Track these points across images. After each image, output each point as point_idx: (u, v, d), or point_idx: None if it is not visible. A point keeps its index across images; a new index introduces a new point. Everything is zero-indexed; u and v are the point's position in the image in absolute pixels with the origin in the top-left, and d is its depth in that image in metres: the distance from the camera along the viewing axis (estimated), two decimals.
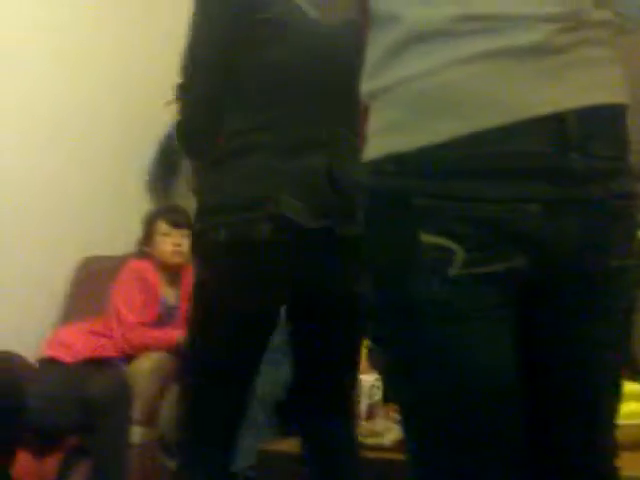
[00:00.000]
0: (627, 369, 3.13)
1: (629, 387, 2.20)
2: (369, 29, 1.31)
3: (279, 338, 2.92)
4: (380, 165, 1.27)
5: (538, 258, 1.25)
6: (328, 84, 2.04)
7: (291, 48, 2.03)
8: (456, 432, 1.24)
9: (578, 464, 1.33)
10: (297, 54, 2.03)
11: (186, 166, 3.93)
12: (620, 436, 2.08)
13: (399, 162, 1.24)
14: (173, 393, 3.06)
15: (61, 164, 3.72)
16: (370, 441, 2.11)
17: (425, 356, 1.26)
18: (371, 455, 2.08)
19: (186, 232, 3.36)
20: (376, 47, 1.29)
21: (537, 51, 1.21)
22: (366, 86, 1.31)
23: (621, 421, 2.09)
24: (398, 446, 2.08)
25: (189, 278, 3.32)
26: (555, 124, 1.21)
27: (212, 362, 2.05)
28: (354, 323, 1.99)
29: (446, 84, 1.22)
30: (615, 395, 1.37)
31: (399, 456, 2.04)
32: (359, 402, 2.36)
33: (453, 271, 1.24)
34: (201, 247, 2.06)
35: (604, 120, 1.27)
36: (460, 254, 1.23)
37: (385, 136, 1.28)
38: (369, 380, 2.36)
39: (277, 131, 2.00)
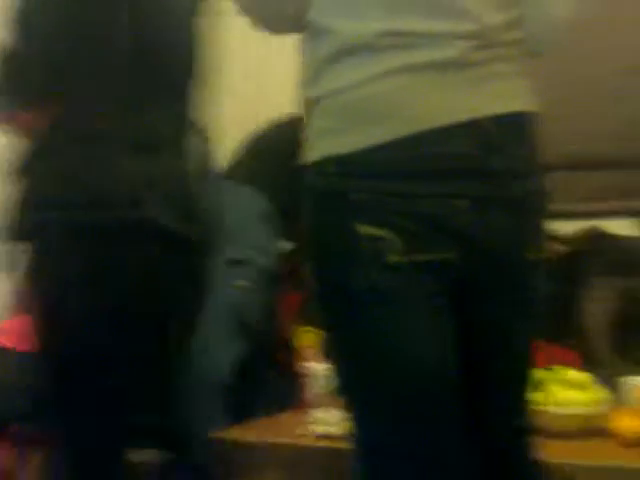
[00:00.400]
0: (582, 358, 3.20)
1: (572, 376, 2.25)
2: (305, 39, 1.44)
3: (229, 318, 2.92)
4: (321, 166, 1.40)
5: (468, 251, 1.39)
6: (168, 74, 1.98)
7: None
8: (400, 412, 1.37)
9: (499, 422, 1.55)
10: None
11: None
12: (563, 424, 2.15)
13: (338, 163, 1.37)
14: None
15: None
16: (320, 429, 2.12)
17: (367, 340, 1.38)
18: (320, 444, 2.10)
19: None
20: (311, 57, 1.42)
21: (454, 65, 1.37)
22: (303, 94, 1.45)
23: (564, 409, 2.16)
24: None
25: None
26: (475, 129, 1.37)
27: None
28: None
29: (372, 95, 1.36)
30: (527, 369, 1.59)
31: (348, 445, 2.07)
32: (310, 390, 2.37)
33: (392, 259, 1.35)
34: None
35: (517, 125, 1.44)
36: (398, 243, 1.35)
37: (323, 140, 1.41)
38: (321, 369, 2.37)
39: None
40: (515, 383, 1.57)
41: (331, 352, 1.49)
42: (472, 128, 1.37)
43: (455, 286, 1.42)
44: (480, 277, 1.44)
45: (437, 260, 1.37)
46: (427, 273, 1.38)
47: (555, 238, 3.57)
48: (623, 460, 1.92)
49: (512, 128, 1.42)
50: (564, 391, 2.19)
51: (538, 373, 2.30)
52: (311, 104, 1.44)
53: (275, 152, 2.98)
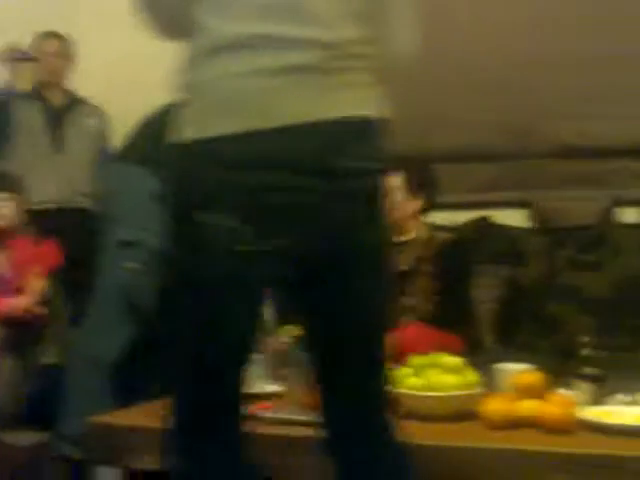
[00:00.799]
0: (467, 344, 3.26)
1: (448, 360, 2.31)
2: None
3: (119, 299, 2.90)
4: (183, 151, 1.52)
5: (312, 241, 1.52)
6: None
7: None
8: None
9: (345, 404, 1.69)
10: None
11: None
12: (437, 407, 2.20)
13: (197, 148, 1.50)
14: (5, 365, 3.01)
15: None
16: None
17: (195, 316, 1.54)
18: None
19: (7, 196, 3.29)
20: (189, 49, 1.54)
21: (312, 70, 1.51)
22: (178, 80, 1.56)
23: (438, 393, 2.21)
24: None
25: (21, 247, 3.27)
26: (321, 130, 1.50)
27: None
28: None
29: (234, 90, 1.47)
30: (374, 350, 1.70)
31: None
32: None
33: (240, 247, 1.46)
34: None
35: (360, 129, 1.57)
36: (247, 232, 1.46)
37: (188, 126, 1.52)
38: None
39: None
40: (362, 365, 1.68)
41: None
42: (318, 128, 1.50)
43: (301, 273, 1.55)
44: (325, 265, 1.57)
45: (280, 247, 1.49)
46: (272, 261, 1.50)
47: (442, 228, 3.64)
48: (489, 442, 1.99)
49: (355, 131, 1.55)
50: (438, 376, 2.25)
51: (415, 359, 2.37)
52: (182, 92, 1.55)
53: (165, 135, 2.96)
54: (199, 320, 1.54)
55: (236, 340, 1.57)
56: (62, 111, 4.00)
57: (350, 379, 1.68)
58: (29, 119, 4.04)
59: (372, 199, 1.61)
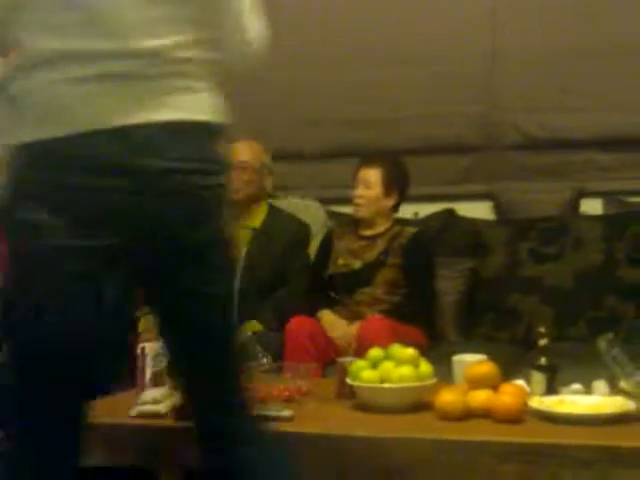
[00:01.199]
0: (429, 336, 3.26)
1: (403, 352, 2.31)
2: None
3: None
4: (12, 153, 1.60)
5: (131, 238, 1.58)
6: None
7: None
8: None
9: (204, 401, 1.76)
10: None
11: None
12: (394, 399, 2.20)
13: (21, 152, 1.59)
14: None
15: None
16: (148, 408, 2.12)
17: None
18: (147, 422, 2.10)
19: None
20: (12, 63, 1.65)
21: (122, 78, 1.59)
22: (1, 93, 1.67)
23: (394, 385, 2.21)
24: (175, 413, 2.11)
25: None
26: (125, 134, 1.57)
27: None
28: None
29: (50, 98, 1.58)
30: (223, 345, 1.74)
31: (172, 423, 2.08)
32: (144, 369, 2.36)
33: (57, 241, 1.55)
34: None
35: (177, 131, 1.62)
36: (61, 230, 1.55)
37: (12, 131, 1.62)
38: (154, 348, 2.37)
39: None
40: (211, 361, 1.73)
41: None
42: (126, 132, 1.58)
43: (128, 268, 1.62)
44: (149, 261, 1.64)
45: (101, 246, 1.58)
46: (90, 257, 1.58)
47: (408, 221, 3.65)
48: (441, 433, 1.99)
49: (171, 134, 1.62)
50: (393, 368, 2.25)
51: (372, 352, 2.36)
52: (8, 101, 1.65)
53: None
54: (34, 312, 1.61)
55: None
56: None
57: (199, 379, 1.75)
58: None
59: (200, 197, 1.66)
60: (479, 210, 3.93)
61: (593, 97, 3.83)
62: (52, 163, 1.58)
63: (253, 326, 3.32)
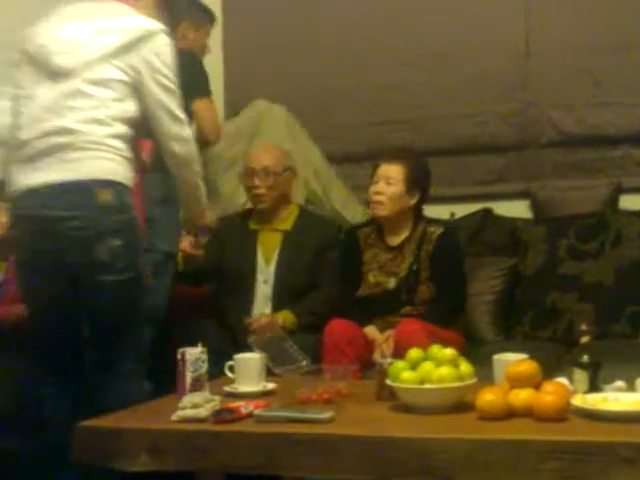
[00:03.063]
0: (467, 336, 3.24)
1: (443, 352, 2.30)
2: None
3: None
4: None
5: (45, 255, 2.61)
6: None
7: None
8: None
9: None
10: None
11: None
12: (435, 400, 2.19)
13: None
14: None
15: None
16: (188, 413, 2.13)
17: None
18: (188, 427, 2.11)
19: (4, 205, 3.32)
20: None
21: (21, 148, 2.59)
22: None
23: (435, 385, 2.20)
24: (213, 416, 2.12)
25: None
26: (37, 192, 2.56)
27: None
28: None
29: None
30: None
31: (213, 427, 2.09)
32: (184, 375, 2.37)
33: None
34: None
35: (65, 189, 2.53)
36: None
37: None
38: (194, 352, 2.38)
39: None
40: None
41: None
42: (38, 191, 2.56)
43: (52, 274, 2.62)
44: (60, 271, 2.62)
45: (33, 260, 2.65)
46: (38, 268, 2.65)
47: (443, 221, 3.62)
48: (482, 433, 1.97)
49: (62, 190, 2.54)
50: (432, 368, 2.24)
51: (411, 353, 2.35)
52: None
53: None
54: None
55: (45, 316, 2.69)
56: None
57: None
58: None
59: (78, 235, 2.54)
60: (516, 209, 3.91)
61: (628, 92, 3.80)
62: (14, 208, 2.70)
63: (285, 315, 3.34)
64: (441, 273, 3.23)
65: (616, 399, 2.09)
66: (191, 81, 3.48)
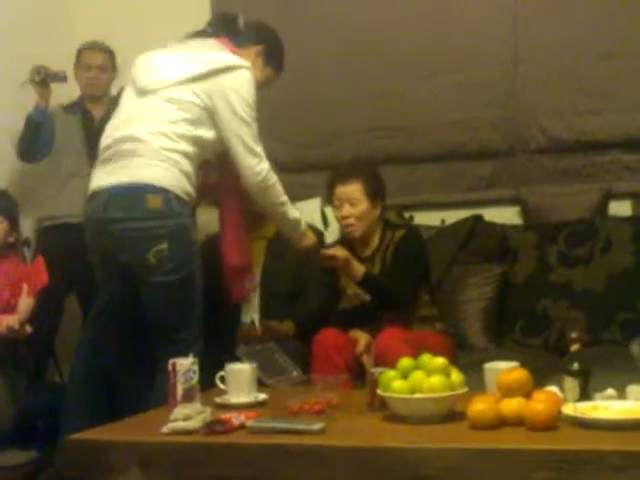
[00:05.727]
0: (458, 344, 3.24)
1: (434, 361, 2.30)
2: None
3: None
4: None
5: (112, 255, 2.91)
6: None
7: None
8: None
9: None
10: None
11: None
12: (425, 409, 2.19)
13: None
14: None
15: None
16: (179, 425, 2.13)
17: None
18: (179, 439, 2.11)
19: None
20: None
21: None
22: None
23: (426, 394, 2.20)
24: (204, 428, 2.11)
25: (7, 267, 3.29)
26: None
27: None
28: None
29: None
30: None
31: (204, 439, 2.08)
32: (175, 386, 2.36)
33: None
34: None
35: (119, 193, 2.81)
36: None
37: None
38: (185, 363, 2.37)
39: None
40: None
41: None
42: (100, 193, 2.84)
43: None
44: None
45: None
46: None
47: (433, 227, 3.63)
48: (473, 442, 1.98)
49: (121, 195, 2.80)
50: (423, 378, 2.24)
51: (402, 362, 2.35)
52: None
53: None
54: None
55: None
56: (103, 123, 3.82)
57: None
58: (69, 133, 3.96)
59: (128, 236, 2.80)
60: (506, 215, 3.91)
61: (616, 98, 3.81)
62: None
63: (288, 326, 3.34)
64: (396, 266, 3.21)
65: (607, 407, 2.10)
66: None
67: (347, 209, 3.23)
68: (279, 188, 2.98)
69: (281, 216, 3.06)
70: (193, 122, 2.82)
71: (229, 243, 3.07)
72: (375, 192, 3.25)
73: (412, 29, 4.07)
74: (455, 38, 4.02)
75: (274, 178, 2.96)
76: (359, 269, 3.16)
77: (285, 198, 3.01)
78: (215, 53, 2.93)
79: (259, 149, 2.91)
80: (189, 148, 2.81)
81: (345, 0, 4.20)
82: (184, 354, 2.41)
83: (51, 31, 4.30)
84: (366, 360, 3.04)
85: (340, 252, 3.16)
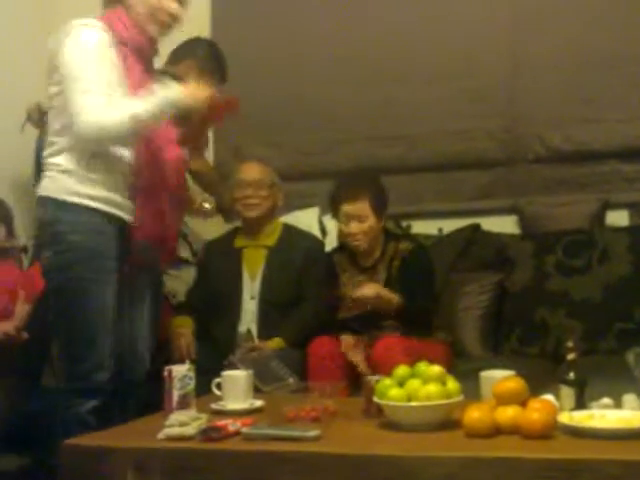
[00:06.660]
0: (455, 352, 3.25)
1: (430, 370, 2.30)
2: None
3: None
4: None
5: None
6: None
7: None
8: None
9: None
10: None
11: None
12: (422, 417, 2.19)
13: None
14: None
15: None
16: (175, 431, 2.12)
17: None
18: (175, 445, 2.10)
19: None
20: None
21: None
22: None
23: (422, 403, 2.20)
24: (200, 435, 2.11)
25: (3, 272, 3.29)
26: None
27: None
28: None
29: None
30: None
31: (200, 445, 2.08)
32: (171, 392, 2.36)
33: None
34: None
35: None
36: None
37: None
38: (181, 370, 2.37)
39: None
40: None
41: None
42: None
43: None
44: None
45: None
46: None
47: (431, 237, 3.63)
48: (470, 450, 1.97)
49: None
50: (422, 386, 2.24)
51: (398, 370, 2.35)
52: None
53: None
54: None
55: None
56: None
57: None
58: None
59: None
60: (504, 224, 3.91)
61: (615, 108, 3.81)
62: None
63: (277, 343, 3.33)
64: (411, 283, 3.21)
65: (603, 416, 2.10)
66: None
67: (355, 226, 3.24)
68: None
69: (145, 119, 2.62)
70: (59, 113, 2.68)
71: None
72: (381, 206, 3.27)
73: (411, 38, 4.08)
74: (454, 47, 4.03)
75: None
76: (393, 299, 3.13)
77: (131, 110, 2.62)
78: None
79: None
80: (65, 142, 2.66)
81: (345, 8, 4.20)
82: None
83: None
84: (352, 356, 3.05)
85: (367, 290, 3.11)
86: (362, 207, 3.22)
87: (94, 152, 2.65)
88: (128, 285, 2.76)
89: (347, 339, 3.16)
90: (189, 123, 2.74)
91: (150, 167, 2.74)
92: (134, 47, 2.70)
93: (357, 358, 3.08)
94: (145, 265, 2.83)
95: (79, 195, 2.65)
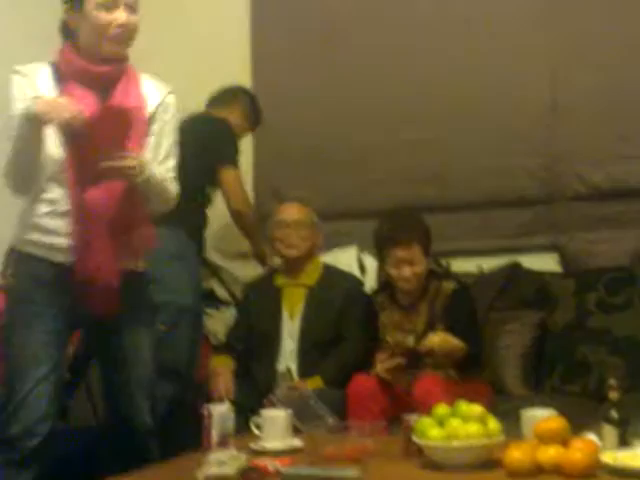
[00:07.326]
0: (495, 391, 3.21)
1: (470, 409, 2.28)
2: None
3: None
4: None
5: None
6: None
7: None
8: None
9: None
10: None
11: None
12: (462, 457, 2.17)
13: None
14: None
15: None
16: (214, 471, 2.12)
17: None
18: None
19: None
20: None
21: None
22: None
23: (463, 442, 2.18)
24: (240, 475, 2.11)
25: None
26: None
27: None
28: None
29: None
30: None
31: None
32: (210, 431, 2.37)
33: None
34: None
35: None
36: None
37: None
38: (220, 409, 2.38)
39: None
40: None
41: None
42: None
43: None
44: None
45: None
46: None
47: (472, 275, 3.61)
48: None
49: None
50: (463, 426, 2.22)
51: (438, 409, 2.34)
52: None
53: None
54: None
55: None
56: None
57: None
58: None
59: None
60: (545, 262, 3.89)
61: None
62: None
63: (316, 382, 3.32)
64: (459, 325, 3.18)
65: None
66: (221, 147, 3.60)
67: (409, 270, 3.23)
68: None
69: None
70: None
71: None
72: (428, 247, 3.29)
73: (449, 77, 4.09)
74: (492, 84, 4.03)
75: None
76: (458, 345, 3.09)
77: None
78: None
79: None
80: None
81: (382, 51, 4.23)
82: None
83: None
84: (383, 373, 3.07)
85: (435, 339, 3.07)
86: (415, 252, 3.23)
87: (34, 196, 2.55)
88: (113, 332, 2.59)
89: (380, 356, 3.15)
90: (82, 141, 2.47)
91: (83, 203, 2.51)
92: (78, 77, 2.58)
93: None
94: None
95: (25, 243, 2.58)
